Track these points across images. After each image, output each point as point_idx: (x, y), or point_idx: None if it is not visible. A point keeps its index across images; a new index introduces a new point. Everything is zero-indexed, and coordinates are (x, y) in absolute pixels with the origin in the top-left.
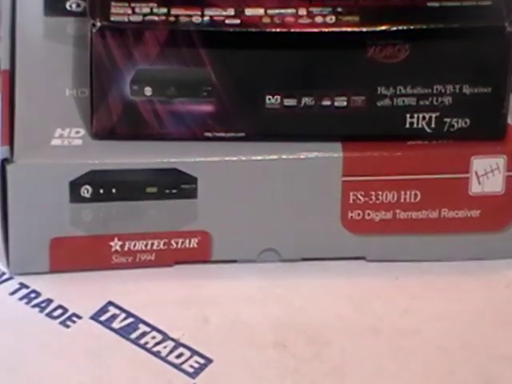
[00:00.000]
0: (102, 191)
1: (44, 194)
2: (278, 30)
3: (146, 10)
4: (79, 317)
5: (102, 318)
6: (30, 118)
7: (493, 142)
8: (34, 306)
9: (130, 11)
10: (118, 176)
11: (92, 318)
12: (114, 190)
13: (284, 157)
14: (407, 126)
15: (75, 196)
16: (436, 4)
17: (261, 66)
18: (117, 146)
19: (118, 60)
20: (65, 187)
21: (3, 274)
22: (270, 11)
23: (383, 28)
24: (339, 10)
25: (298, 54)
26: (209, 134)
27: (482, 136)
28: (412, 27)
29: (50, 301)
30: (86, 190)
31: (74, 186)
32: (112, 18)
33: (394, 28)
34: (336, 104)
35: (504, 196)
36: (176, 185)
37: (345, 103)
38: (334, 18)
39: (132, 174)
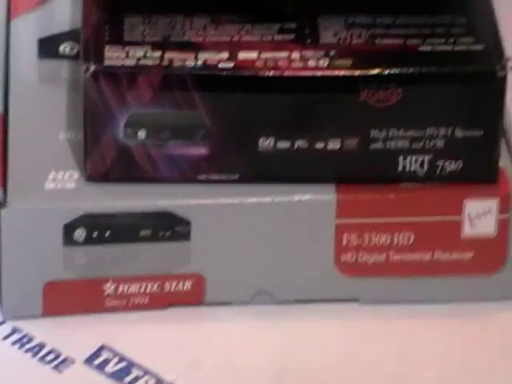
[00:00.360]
0: (95, 234)
1: (37, 238)
2: (271, 73)
3: (140, 54)
4: (72, 361)
5: (96, 362)
6: (24, 162)
7: (485, 184)
8: (26, 351)
9: (123, 55)
10: (111, 219)
11: (85, 362)
12: (107, 233)
13: (278, 199)
14: (400, 168)
15: (69, 239)
16: (428, 48)
17: (254, 109)
18: (110, 188)
19: (111, 104)
20: (58, 231)
21: None
22: (263, 55)
23: (376, 72)
24: (332, 53)
25: (291, 97)
26: (202, 177)
27: (475, 179)
28: (404, 71)
29: (42, 345)
30: (80, 234)
31: (68, 229)
32: (106, 62)
33: (387, 72)
34: (329, 147)
35: (496, 239)
36: (169, 227)
37: (338, 146)
38: (326, 61)
39: (125, 217)
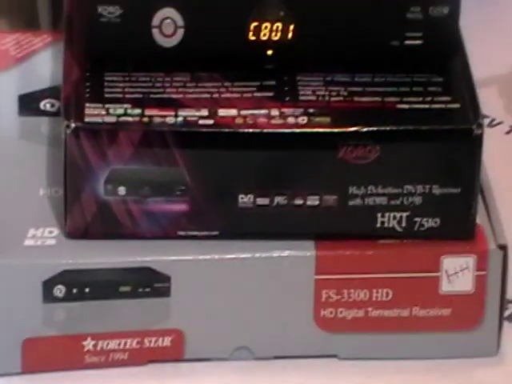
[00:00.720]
0: (75, 291)
1: (17, 295)
2: (250, 130)
3: (120, 111)
4: None
5: None
6: (4, 218)
7: (462, 241)
8: None
9: (104, 112)
10: (91, 275)
11: None
12: (87, 290)
13: (257, 255)
14: (378, 225)
15: (48, 296)
16: (405, 106)
17: (234, 166)
18: (90, 245)
19: (92, 160)
20: (38, 287)
21: None
22: (243, 112)
23: (354, 129)
24: (311, 111)
25: (270, 153)
26: (182, 233)
27: (452, 235)
28: (382, 129)
29: None
30: (59, 290)
31: (47, 286)
32: (86, 119)
33: (365, 129)
34: (308, 203)
35: (474, 295)
36: (149, 283)
37: (317, 202)
38: (305, 118)
39: (105, 273)
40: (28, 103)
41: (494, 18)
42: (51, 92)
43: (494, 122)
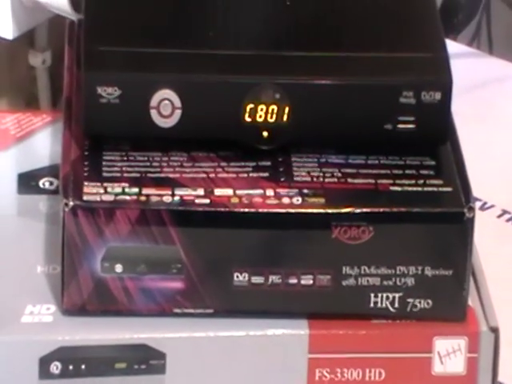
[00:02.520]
0: (71, 367)
1: (13, 371)
2: (246, 210)
3: (118, 190)
4: None
5: None
6: (1, 295)
7: (454, 323)
8: None
9: (102, 190)
10: (87, 352)
11: None
12: (83, 366)
13: (251, 333)
14: (371, 305)
15: (44, 372)
16: (398, 188)
17: (229, 245)
18: (87, 321)
19: (89, 238)
20: (34, 364)
21: None
22: (238, 191)
23: (347, 210)
24: (305, 191)
25: (265, 233)
26: (178, 310)
27: (444, 317)
28: (375, 210)
29: None
30: (56, 367)
31: (44, 362)
32: (84, 198)
33: (358, 210)
34: (302, 282)
35: (466, 377)
36: (145, 360)
37: (311, 281)
38: (300, 199)
39: (101, 350)
40: (27, 181)
41: (484, 102)
42: (50, 170)
43: (486, 206)
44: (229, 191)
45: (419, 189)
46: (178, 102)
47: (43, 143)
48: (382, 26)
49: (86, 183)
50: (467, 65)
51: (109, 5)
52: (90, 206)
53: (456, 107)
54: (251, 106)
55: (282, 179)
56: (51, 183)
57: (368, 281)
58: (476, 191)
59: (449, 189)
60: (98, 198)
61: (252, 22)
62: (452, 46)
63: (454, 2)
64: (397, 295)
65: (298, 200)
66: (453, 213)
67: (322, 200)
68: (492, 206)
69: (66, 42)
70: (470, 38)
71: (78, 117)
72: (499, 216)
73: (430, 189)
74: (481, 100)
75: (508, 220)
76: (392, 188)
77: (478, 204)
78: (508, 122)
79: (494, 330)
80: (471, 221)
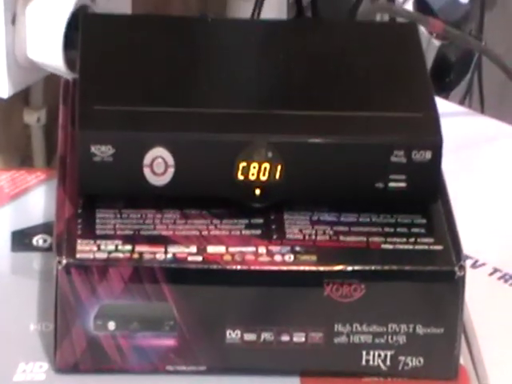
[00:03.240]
0: None
1: None
2: (238, 267)
3: (111, 248)
4: None
5: None
6: None
7: (446, 381)
8: None
9: (95, 248)
10: None
11: None
12: None
13: None
14: (363, 363)
15: None
16: (390, 246)
17: (222, 302)
18: (80, 379)
19: (82, 296)
20: None
21: None
22: (231, 249)
23: (339, 268)
24: (297, 249)
25: (257, 290)
26: (170, 368)
27: (436, 375)
28: (367, 268)
29: None
30: None
31: None
32: (78, 256)
33: (350, 268)
34: (294, 339)
35: None
36: None
37: (303, 339)
38: (292, 256)
39: None
40: (21, 239)
41: (475, 160)
42: (44, 228)
43: (478, 263)
44: (221, 248)
45: (410, 247)
46: (171, 160)
47: (37, 201)
48: (374, 85)
49: (79, 241)
50: (459, 123)
51: (103, 64)
52: (83, 263)
53: (447, 165)
54: (244, 164)
55: (275, 237)
56: (45, 241)
57: (360, 338)
58: (467, 249)
59: (440, 247)
60: (91, 256)
61: (245, 80)
62: (443, 105)
63: (446, 61)
64: (389, 353)
65: (290, 257)
66: (444, 271)
67: (314, 257)
68: (483, 264)
69: (60, 100)
70: (461, 97)
71: (71, 175)
72: (491, 274)
73: (421, 247)
74: (472, 158)
75: (500, 278)
76: (383, 246)
77: (469, 262)
78: (500, 180)
79: None
80: (462, 279)
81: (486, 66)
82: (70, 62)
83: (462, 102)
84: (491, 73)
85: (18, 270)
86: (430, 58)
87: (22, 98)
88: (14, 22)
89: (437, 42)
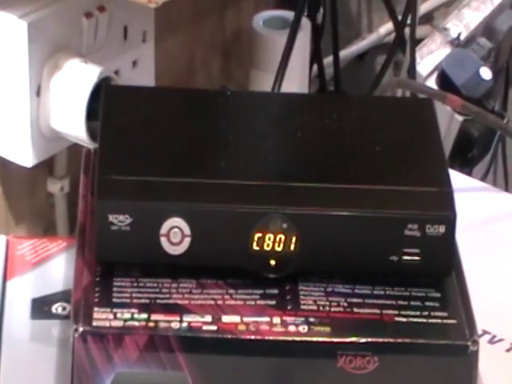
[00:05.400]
0: None
1: None
2: (252, 337)
3: (128, 316)
4: None
5: None
6: None
7: None
8: None
9: (111, 316)
10: None
11: None
12: None
13: None
14: None
15: None
16: (403, 319)
17: (236, 372)
18: None
19: (98, 363)
20: None
21: None
22: (245, 319)
23: (353, 339)
24: (311, 320)
25: (271, 360)
26: None
27: None
28: (380, 340)
29: None
30: None
31: None
32: (94, 323)
33: (363, 340)
34: None
35: None
36: None
37: None
38: (306, 327)
39: None
40: (41, 306)
41: (496, 237)
42: (63, 296)
43: (495, 339)
44: (236, 318)
45: (424, 320)
46: (187, 230)
47: (58, 269)
48: (389, 159)
49: (96, 309)
50: (479, 199)
51: (123, 135)
52: (99, 331)
53: (466, 241)
54: (259, 235)
55: (289, 307)
56: (64, 308)
57: None
58: (486, 325)
59: (453, 321)
60: (107, 324)
61: (261, 153)
62: (465, 181)
63: (468, 136)
64: None
65: (304, 328)
66: (457, 345)
67: (328, 329)
68: (501, 340)
69: (81, 170)
70: (484, 173)
71: (90, 243)
72: (508, 350)
73: (434, 321)
74: (493, 235)
75: None
76: (397, 319)
77: (486, 337)
78: None
79: None
80: (475, 354)
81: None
82: (92, 132)
83: (484, 178)
84: None
85: (37, 338)
86: (453, 134)
87: (46, 167)
88: (38, 93)
89: (460, 118)
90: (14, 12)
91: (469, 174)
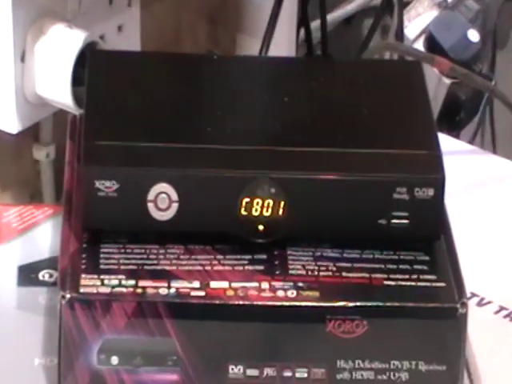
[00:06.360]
0: None
1: None
2: (241, 302)
3: (115, 282)
4: None
5: None
6: None
7: None
8: None
9: (99, 283)
10: None
11: None
12: None
13: None
14: None
15: None
16: (392, 283)
17: (225, 337)
18: None
19: (86, 331)
20: None
21: None
22: (233, 284)
23: (342, 304)
24: (300, 285)
25: (260, 326)
26: None
27: None
28: (369, 304)
29: None
30: None
31: None
32: (81, 290)
33: (352, 304)
34: (297, 375)
35: None
36: None
37: (305, 375)
38: (295, 292)
39: None
40: (27, 274)
41: (484, 199)
42: (50, 263)
43: (484, 302)
44: (224, 284)
45: (413, 284)
46: (174, 196)
47: (44, 236)
48: (377, 123)
49: (83, 276)
50: (468, 162)
51: (108, 101)
52: (86, 298)
53: (455, 203)
54: (247, 200)
55: (277, 272)
56: (51, 275)
57: (362, 375)
58: (473, 287)
59: (442, 284)
60: (94, 291)
61: (249, 118)
62: (453, 143)
63: (456, 99)
64: None
65: (292, 293)
66: (446, 308)
67: (317, 294)
68: (489, 302)
69: (67, 136)
70: (472, 135)
71: (77, 210)
72: (496, 312)
73: (423, 284)
74: (481, 197)
75: (505, 316)
76: (386, 282)
77: (475, 300)
78: (508, 219)
79: None
80: (464, 316)
81: (499, 104)
82: (78, 98)
83: (472, 141)
84: (504, 112)
85: (24, 305)
86: (440, 97)
87: (32, 134)
88: (23, 59)
89: (447, 81)
90: None
91: (456, 136)
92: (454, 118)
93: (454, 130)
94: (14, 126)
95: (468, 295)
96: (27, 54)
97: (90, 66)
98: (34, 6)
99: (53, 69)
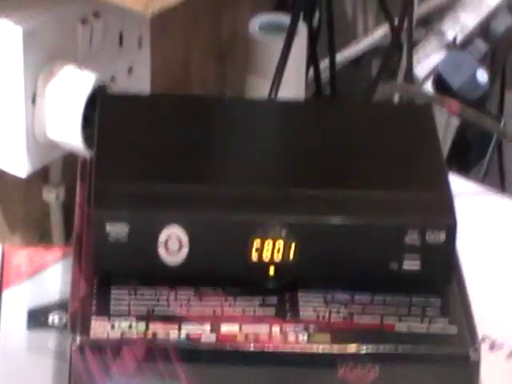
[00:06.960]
0: None
1: None
2: (251, 347)
3: (125, 326)
4: None
5: None
6: None
7: None
8: None
9: (109, 327)
10: None
11: None
12: None
13: None
14: None
15: None
16: (404, 329)
17: (235, 382)
18: None
19: (96, 375)
20: None
21: None
22: (244, 328)
23: (353, 349)
24: (311, 328)
25: (271, 370)
26: None
27: None
28: (381, 349)
29: None
30: None
31: None
32: (92, 334)
33: (364, 349)
34: None
35: None
36: None
37: None
38: (306, 336)
39: None
40: (37, 317)
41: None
42: (60, 305)
43: (496, 344)
44: (235, 328)
45: (424, 329)
46: (185, 239)
47: (54, 278)
48: (388, 165)
49: (93, 319)
50: (476, 203)
51: (119, 143)
52: (97, 342)
53: (466, 246)
54: (258, 243)
55: (288, 316)
56: (60, 318)
57: None
58: (486, 329)
59: (454, 329)
60: (105, 335)
61: (259, 160)
62: (462, 184)
63: (465, 140)
64: None
65: (303, 337)
66: (458, 354)
67: (328, 337)
68: (502, 344)
69: (78, 178)
70: (481, 176)
71: (87, 253)
72: (509, 355)
73: (435, 328)
74: (490, 239)
75: None
76: (398, 327)
77: (487, 342)
78: None
79: None
80: (476, 362)
81: (508, 145)
82: (88, 140)
83: (482, 180)
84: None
85: (33, 349)
86: (449, 137)
87: (41, 175)
88: (34, 101)
89: (456, 121)
90: (9, 18)
91: (465, 175)
92: (464, 158)
93: (463, 170)
94: (23, 169)
95: (480, 337)
96: (38, 96)
97: (100, 108)
98: (45, 47)
99: (63, 111)
